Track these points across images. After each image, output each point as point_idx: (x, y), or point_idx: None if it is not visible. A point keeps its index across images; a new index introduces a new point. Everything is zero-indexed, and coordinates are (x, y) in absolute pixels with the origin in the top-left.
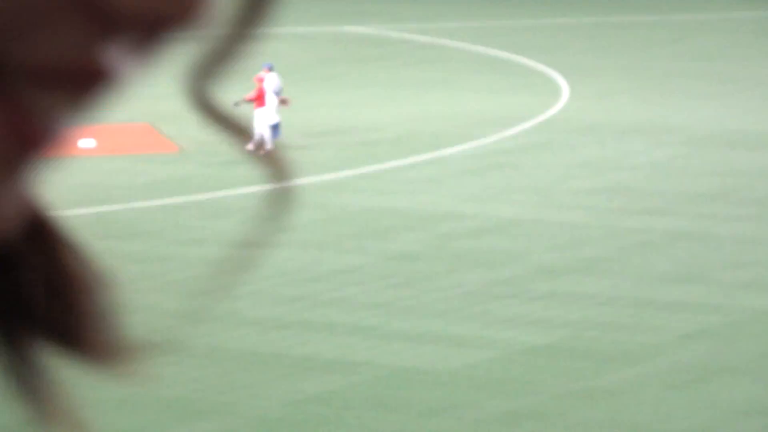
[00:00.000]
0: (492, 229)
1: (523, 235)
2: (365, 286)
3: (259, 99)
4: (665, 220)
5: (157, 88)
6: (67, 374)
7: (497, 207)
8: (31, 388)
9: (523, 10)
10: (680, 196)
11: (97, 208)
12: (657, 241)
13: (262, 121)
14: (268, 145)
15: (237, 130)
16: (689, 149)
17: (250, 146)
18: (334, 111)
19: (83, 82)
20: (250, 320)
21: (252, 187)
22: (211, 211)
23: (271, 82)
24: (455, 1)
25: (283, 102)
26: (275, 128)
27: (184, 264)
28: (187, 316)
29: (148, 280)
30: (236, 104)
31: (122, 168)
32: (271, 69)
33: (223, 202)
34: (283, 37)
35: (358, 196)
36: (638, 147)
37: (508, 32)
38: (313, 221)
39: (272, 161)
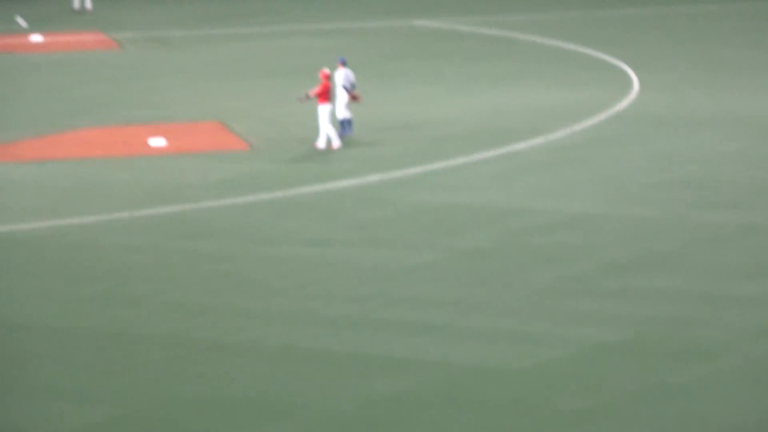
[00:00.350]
0: (563, 225)
1: (594, 230)
2: (436, 284)
3: (323, 95)
4: (738, 213)
5: (227, 85)
6: (143, 376)
7: (568, 202)
8: None
9: (592, 1)
10: (753, 189)
11: (169, 207)
12: (729, 234)
13: (325, 117)
14: (335, 143)
15: None
16: (761, 141)
17: (320, 144)
18: (404, 106)
19: None
20: (323, 319)
21: (323, 184)
22: (283, 209)
23: (342, 76)
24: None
25: (354, 98)
26: (346, 124)
27: (257, 263)
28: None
29: (220, 279)
30: (300, 100)
31: (193, 166)
32: (344, 64)
33: (294, 199)
34: (353, 32)
35: (429, 192)
36: (709, 139)
37: (577, 25)
38: (383, 218)
39: None
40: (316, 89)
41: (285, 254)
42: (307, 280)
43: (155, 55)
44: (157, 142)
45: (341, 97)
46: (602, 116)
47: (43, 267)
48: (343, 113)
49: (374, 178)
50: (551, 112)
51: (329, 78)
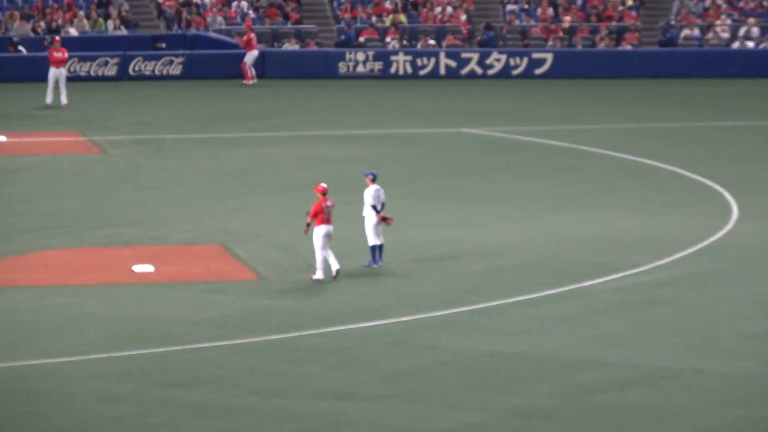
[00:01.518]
0: (640, 381)
1: (679, 389)
2: None
3: (318, 215)
4: None
5: (231, 201)
6: None
7: (648, 353)
8: None
9: (678, 111)
10: None
11: (156, 348)
12: None
13: (319, 241)
14: (318, 273)
15: None
16: None
17: (319, 275)
18: (447, 231)
19: None
20: None
21: (346, 324)
22: (296, 354)
23: (372, 194)
24: (596, 100)
25: (384, 220)
26: (376, 252)
27: (262, 419)
28: None
29: None
30: (306, 231)
31: (187, 299)
32: (374, 179)
33: (310, 342)
34: (387, 140)
35: (476, 337)
36: None
37: (661, 137)
38: (418, 368)
39: None
40: (311, 209)
41: (297, 409)
42: None
43: (144, 162)
44: (144, 268)
45: (370, 218)
46: (692, 249)
47: None
48: (373, 238)
49: (408, 318)
50: (628, 243)
51: (326, 194)
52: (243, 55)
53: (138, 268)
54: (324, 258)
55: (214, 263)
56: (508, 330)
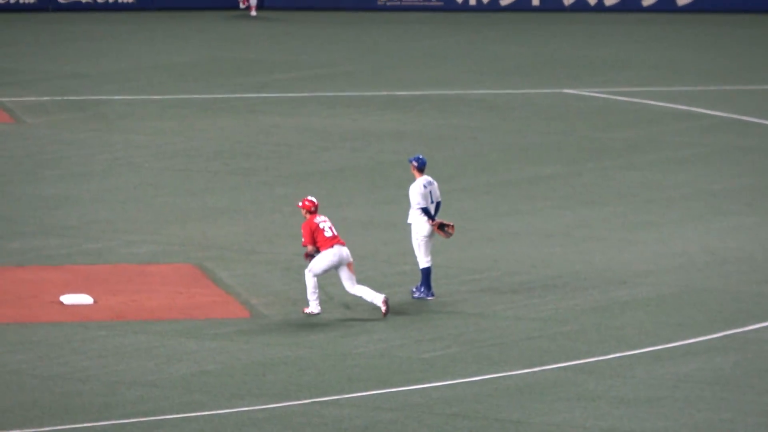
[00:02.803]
0: None
1: None
2: None
3: (320, 239)
4: None
5: (210, 197)
6: None
7: None
8: None
9: None
10: None
11: (95, 421)
12: None
13: (322, 265)
14: (312, 306)
15: None
16: None
17: (311, 308)
18: (544, 246)
19: None
20: None
21: (384, 387)
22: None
23: (419, 190)
24: (748, 50)
25: (441, 229)
26: (429, 276)
27: None
28: None
29: None
30: (306, 255)
31: (143, 347)
32: (421, 167)
33: (329, 413)
34: (454, 104)
35: (584, 407)
36: None
37: None
38: None
39: None
40: (303, 233)
41: None
42: None
43: (78, 136)
44: (77, 299)
45: (419, 227)
46: None
47: None
48: (424, 258)
49: (480, 377)
50: None
51: (315, 210)
52: None
53: (69, 298)
54: (315, 285)
55: (186, 292)
56: (632, 397)
